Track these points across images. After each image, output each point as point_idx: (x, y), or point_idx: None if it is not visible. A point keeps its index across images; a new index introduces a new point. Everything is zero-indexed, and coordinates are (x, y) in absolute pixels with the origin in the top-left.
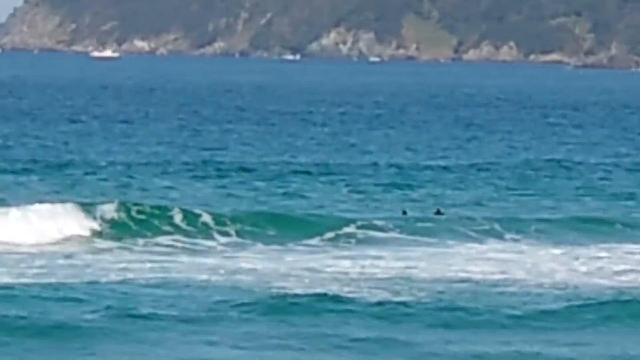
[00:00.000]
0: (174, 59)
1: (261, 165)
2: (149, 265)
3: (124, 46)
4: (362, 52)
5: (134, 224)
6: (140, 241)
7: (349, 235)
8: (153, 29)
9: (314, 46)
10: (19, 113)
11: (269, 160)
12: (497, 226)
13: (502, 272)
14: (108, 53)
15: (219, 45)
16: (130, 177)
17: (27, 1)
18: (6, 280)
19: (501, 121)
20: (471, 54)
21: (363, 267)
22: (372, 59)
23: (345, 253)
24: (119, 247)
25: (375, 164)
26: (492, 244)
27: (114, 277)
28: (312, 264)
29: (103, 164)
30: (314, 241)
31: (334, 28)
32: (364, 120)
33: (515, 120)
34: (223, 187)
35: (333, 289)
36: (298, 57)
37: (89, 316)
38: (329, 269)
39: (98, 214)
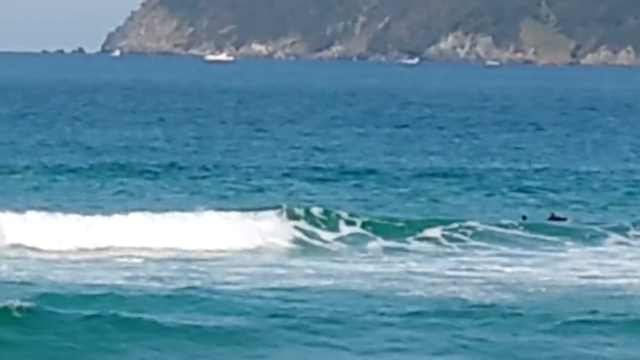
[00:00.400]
0: (291, 63)
1: (389, 169)
2: (309, 271)
3: (242, 50)
4: (479, 55)
5: (298, 231)
6: (301, 247)
7: (468, 232)
8: (271, 32)
9: (431, 50)
10: (144, 117)
11: (396, 164)
12: (619, 230)
13: (624, 276)
14: (222, 57)
15: (336, 49)
16: (258, 180)
17: (145, 5)
18: (170, 285)
19: (625, 125)
20: (589, 59)
21: (483, 269)
22: (490, 62)
23: (465, 257)
24: (282, 253)
25: (499, 167)
26: (613, 247)
27: (274, 282)
28: (432, 267)
29: (230, 168)
30: (435, 232)
31: (451, 32)
32: (487, 124)
33: None
34: (352, 190)
35: (455, 291)
36: (416, 60)
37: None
38: (449, 272)
39: (263, 220)
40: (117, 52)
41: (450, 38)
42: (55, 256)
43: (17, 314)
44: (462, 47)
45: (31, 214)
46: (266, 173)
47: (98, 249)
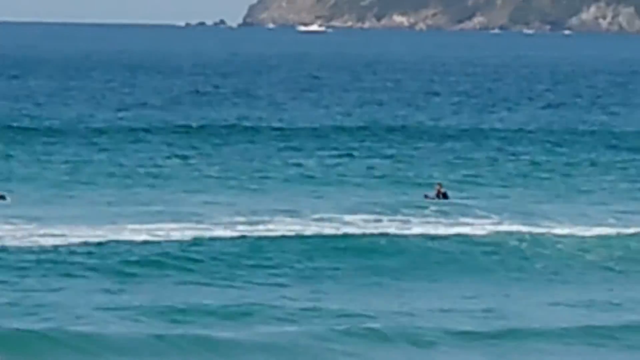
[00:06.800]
0: (430, 34)
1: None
2: None
3: (383, 21)
4: (622, 26)
5: None
6: None
7: None
8: (412, 4)
9: (573, 20)
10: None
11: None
12: None
13: None
14: (314, 27)
15: (478, 20)
16: None
17: None
18: None
19: None
20: None
21: None
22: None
23: None
24: None
25: None
26: None
27: None
28: None
29: None
30: None
31: (594, 2)
32: None
33: None
34: None
35: None
36: (567, 32)
37: None
38: None
39: None
40: (270, 25)
41: (592, 9)
42: None
43: None
44: (604, 17)
45: None
46: None
47: None
